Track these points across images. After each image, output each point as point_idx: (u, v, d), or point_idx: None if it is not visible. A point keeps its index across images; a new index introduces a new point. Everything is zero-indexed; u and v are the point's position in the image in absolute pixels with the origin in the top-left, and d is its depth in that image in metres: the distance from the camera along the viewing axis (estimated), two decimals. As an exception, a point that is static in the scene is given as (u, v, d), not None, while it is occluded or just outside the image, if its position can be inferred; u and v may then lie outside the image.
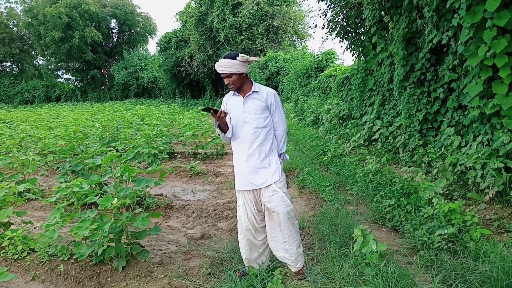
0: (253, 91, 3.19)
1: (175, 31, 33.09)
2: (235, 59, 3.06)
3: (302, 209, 4.96)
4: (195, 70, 29.91)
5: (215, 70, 29.25)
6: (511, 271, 2.43)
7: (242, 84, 3.16)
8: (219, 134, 3.29)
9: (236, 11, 24.72)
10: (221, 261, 3.54)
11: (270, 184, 3.09)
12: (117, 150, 8.07)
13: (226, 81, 3.14)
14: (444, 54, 5.89)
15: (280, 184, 3.12)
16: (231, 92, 3.31)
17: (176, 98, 35.78)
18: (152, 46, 75.97)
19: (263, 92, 3.23)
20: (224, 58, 3.10)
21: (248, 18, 24.29)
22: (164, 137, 8.88)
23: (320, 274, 2.96)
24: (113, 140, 9.47)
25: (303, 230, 4.20)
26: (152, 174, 6.74)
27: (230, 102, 3.28)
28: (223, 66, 3.08)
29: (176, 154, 9.08)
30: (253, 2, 24.49)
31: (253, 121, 3.14)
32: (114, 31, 49.38)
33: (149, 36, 50.26)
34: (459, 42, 4.93)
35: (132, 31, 48.90)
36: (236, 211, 4.80)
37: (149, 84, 39.88)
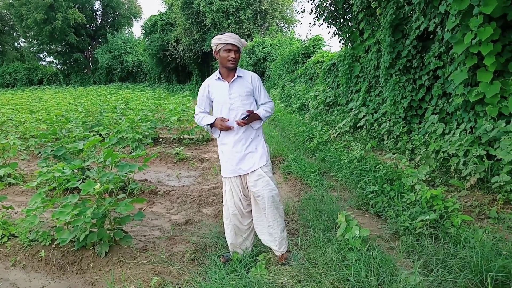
0: (237, 76, 3.14)
1: (161, 14, 32.51)
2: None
3: (287, 195, 4.97)
4: (181, 54, 29.53)
5: (202, 54, 28.61)
6: (490, 256, 2.48)
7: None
8: (207, 130, 3.26)
9: (223, -6, 24.35)
10: (205, 247, 3.53)
11: (257, 169, 3.08)
12: (100, 135, 7.95)
13: (232, 55, 3.02)
14: (431, 42, 5.90)
15: (266, 168, 3.12)
16: (212, 77, 3.22)
17: (161, 83, 35.36)
18: (137, 29, 74.72)
19: (247, 76, 3.19)
20: (233, 33, 3.06)
21: (235, 2, 23.97)
22: (149, 122, 8.77)
23: (304, 259, 2.97)
24: (97, 124, 9.32)
25: (287, 216, 4.22)
26: (136, 159, 6.67)
27: (213, 87, 3.18)
28: (237, 39, 3.03)
29: (161, 140, 8.99)
30: (240, -15, 24.15)
31: (239, 108, 3.09)
32: (98, 13, 48.32)
33: (134, 19, 49.31)
34: (446, 29, 4.93)
35: (117, 13, 47.86)
36: (222, 197, 4.79)
37: (134, 68, 39.27)
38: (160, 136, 9.41)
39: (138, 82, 38.93)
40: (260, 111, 3.16)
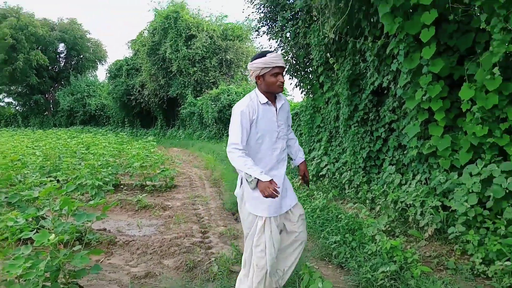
0: (284, 101, 2.85)
1: (127, 59, 32.69)
2: None
3: (250, 245, 4.92)
4: (146, 99, 29.49)
5: (167, 100, 28.67)
6: (448, 308, 2.54)
7: None
8: (245, 176, 2.67)
9: (189, 43, 24.98)
10: (165, 302, 3.40)
11: (297, 202, 2.94)
12: (58, 181, 7.65)
13: (281, 79, 2.68)
14: (385, 96, 6.26)
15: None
16: (253, 100, 2.74)
17: (125, 127, 34.89)
18: (101, 73, 74.51)
19: (286, 102, 2.93)
20: (275, 52, 2.73)
21: (201, 51, 24.60)
22: (110, 168, 8.56)
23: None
24: (55, 170, 8.99)
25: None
26: (95, 207, 6.44)
27: (260, 112, 2.71)
28: (282, 59, 2.71)
29: (122, 186, 8.75)
30: (206, 35, 24.91)
31: (284, 136, 2.84)
32: (62, 55, 47.84)
33: (98, 63, 49.17)
34: (398, 85, 5.27)
35: (81, 56, 47.62)
36: (186, 247, 4.66)
37: (97, 111, 38.68)
38: (122, 182, 9.18)
39: (100, 126, 38.23)
40: (302, 156, 3.14)
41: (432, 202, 4.23)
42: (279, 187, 2.61)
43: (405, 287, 3.11)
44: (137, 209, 6.82)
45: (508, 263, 3.08)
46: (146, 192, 8.19)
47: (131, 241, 5.11)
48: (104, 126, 38.11)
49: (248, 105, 2.69)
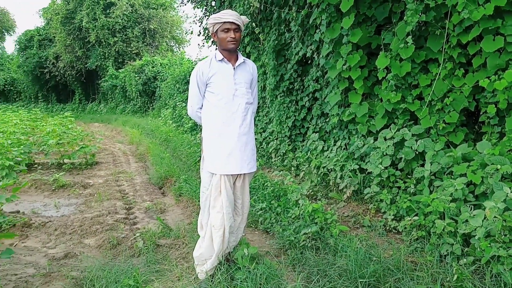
0: (244, 60, 2.87)
1: (38, 29, 29.99)
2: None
3: (178, 218, 4.86)
4: (62, 72, 27.42)
5: (85, 72, 26.85)
6: (363, 263, 2.72)
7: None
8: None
9: (108, 11, 23.39)
10: (86, 281, 3.25)
11: (255, 171, 2.98)
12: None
13: (231, 34, 2.69)
14: (309, 66, 6.40)
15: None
16: (210, 59, 2.83)
17: (38, 103, 32.30)
18: (9, 44, 67.43)
19: (249, 64, 2.97)
20: (230, 10, 2.80)
21: (122, 20, 23.20)
22: (22, 147, 7.88)
23: (193, 284, 2.91)
24: (-43, 150, 8.07)
25: (179, 239, 4.11)
26: (4, 189, 5.92)
27: (215, 69, 2.78)
28: (235, 15, 2.70)
29: (36, 165, 8.12)
30: (127, 3, 23.48)
31: (244, 95, 2.83)
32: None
33: (6, 33, 44.41)
34: (321, 55, 5.40)
35: (-16, 26, 42.69)
36: (111, 224, 4.47)
37: (6, 86, 35.31)
38: (36, 161, 8.51)
39: (11, 102, 34.99)
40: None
41: (351, 166, 4.47)
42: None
43: (325, 246, 3.28)
44: (54, 188, 6.39)
45: (416, 218, 3.36)
46: (64, 170, 7.68)
47: (47, 222, 4.79)
48: (15, 102, 34.99)
49: (200, 66, 2.82)
